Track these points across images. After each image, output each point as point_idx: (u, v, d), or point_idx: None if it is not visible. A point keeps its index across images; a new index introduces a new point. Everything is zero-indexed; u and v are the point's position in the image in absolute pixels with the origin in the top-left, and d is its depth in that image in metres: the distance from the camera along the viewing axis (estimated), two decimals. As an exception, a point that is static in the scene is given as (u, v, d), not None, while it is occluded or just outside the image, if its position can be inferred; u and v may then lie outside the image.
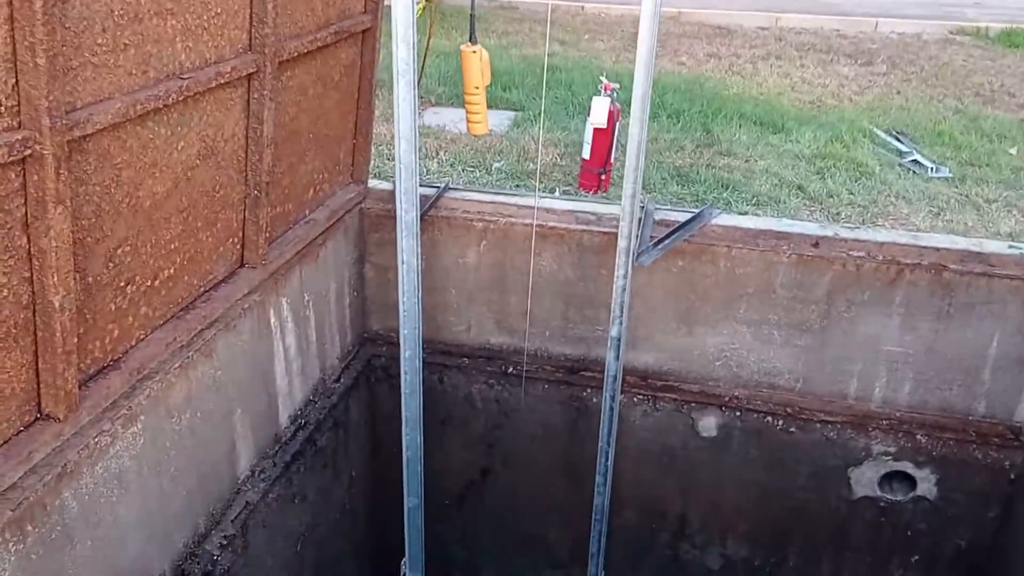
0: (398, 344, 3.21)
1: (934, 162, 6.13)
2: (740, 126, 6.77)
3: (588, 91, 7.34)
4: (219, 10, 2.14)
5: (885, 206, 5.31)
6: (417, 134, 2.78)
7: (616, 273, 2.85)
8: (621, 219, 2.77)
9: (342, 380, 3.29)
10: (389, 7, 2.64)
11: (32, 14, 1.50)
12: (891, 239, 3.05)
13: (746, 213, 5.04)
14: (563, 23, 10.46)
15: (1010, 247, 3.02)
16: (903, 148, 6.47)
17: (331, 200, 3.11)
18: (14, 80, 1.54)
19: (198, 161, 2.21)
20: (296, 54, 2.54)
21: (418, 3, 2.65)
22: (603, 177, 5.32)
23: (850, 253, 3.04)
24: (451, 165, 5.49)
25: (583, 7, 11.71)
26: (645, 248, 2.92)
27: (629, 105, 6.60)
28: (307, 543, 3.03)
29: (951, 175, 5.93)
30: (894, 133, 6.93)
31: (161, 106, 1.97)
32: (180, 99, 2.03)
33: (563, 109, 6.88)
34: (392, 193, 3.36)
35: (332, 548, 3.26)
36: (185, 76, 2.04)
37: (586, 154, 5.30)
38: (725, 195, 5.30)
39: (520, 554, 3.74)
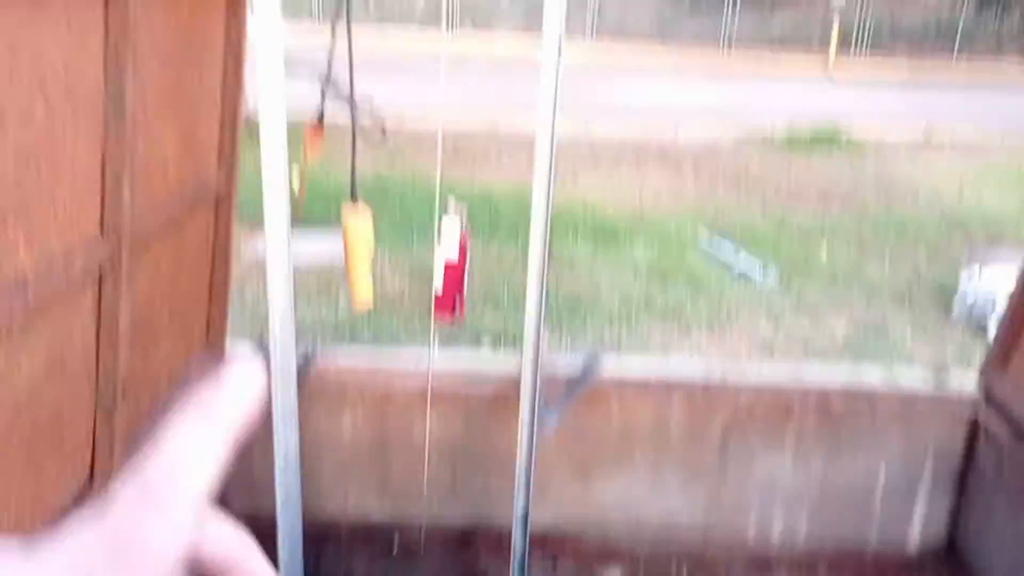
0: (266, 528, 2.84)
1: (761, 268, 6.46)
2: (576, 240, 6.90)
3: (423, 212, 7.26)
4: (68, 201, 1.81)
5: (729, 317, 5.49)
6: (294, 308, 2.51)
7: (519, 446, 2.65)
8: (522, 386, 2.59)
9: (205, 583, 2.85)
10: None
11: None
12: (775, 377, 3.06)
13: (602, 335, 5.05)
14: (381, 134, 10.41)
15: (884, 375, 3.10)
16: (729, 255, 6.79)
17: (187, 379, 2.73)
18: None
19: (43, 381, 1.83)
20: (151, 232, 2.22)
21: (294, 178, 2.41)
22: (457, 305, 5.16)
23: (740, 395, 3.01)
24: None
25: (403, 123, 11.76)
26: (547, 413, 2.75)
27: (477, 229, 6.50)
28: None
29: (778, 281, 6.26)
30: (716, 239, 7.28)
31: (4, 329, 1.60)
32: (23, 317, 1.67)
33: (402, 231, 6.74)
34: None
35: None
36: (29, 288, 1.68)
37: (437, 289, 5.13)
38: (579, 316, 5.29)
39: None
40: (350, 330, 4.86)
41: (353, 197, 2.56)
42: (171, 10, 2.18)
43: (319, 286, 5.54)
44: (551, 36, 2.28)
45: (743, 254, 6.76)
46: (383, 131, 2.52)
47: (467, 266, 5.12)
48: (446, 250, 4.91)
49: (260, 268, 5.81)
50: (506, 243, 6.58)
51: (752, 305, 5.68)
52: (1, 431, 1.70)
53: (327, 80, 2.38)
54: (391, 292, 5.54)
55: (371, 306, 2.65)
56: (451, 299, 5.08)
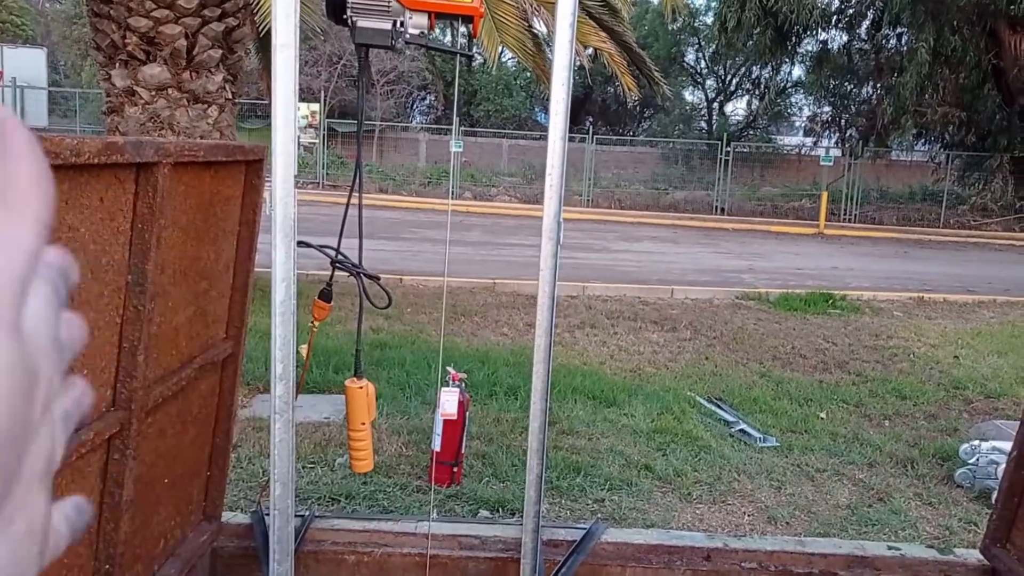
0: None
1: (760, 431, 6.44)
2: (575, 401, 6.91)
3: (421, 370, 7.33)
4: (85, 372, 1.88)
5: (730, 482, 5.43)
6: (294, 477, 2.52)
7: (519, 617, 2.60)
8: (523, 557, 2.57)
9: None
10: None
11: None
12: (779, 547, 3.02)
13: (602, 500, 4.98)
14: (382, 296, 10.62)
15: (889, 548, 3.06)
16: (728, 417, 6.79)
17: (182, 548, 2.71)
18: None
19: (46, 548, 1.83)
20: (160, 399, 2.27)
21: (303, 346, 2.49)
22: (456, 470, 5.13)
23: (742, 564, 2.97)
24: (290, 464, 5.11)
25: (401, 279, 12.03)
26: (545, 583, 2.71)
27: (470, 387, 6.53)
28: None
29: (778, 444, 6.23)
30: (715, 401, 7.29)
31: (14, 499, 1.63)
32: (35, 485, 1.70)
33: (400, 391, 6.77)
34: (249, 527, 3.02)
35: None
36: (43, 456, 1.72)
37: (436, 446, 5.11)
38: (579, 480, 5.24)
39: None
40: (347, 495, 4.81)
41: (357, 373, 2.62)
42: (194, 188, 2.32)
43: (316, 448, 5.52)
44: (551, 203, 2.42)
45: (741, 417, 6.77)
46: (389, 301, 2.60)
47: (465, 428, 5.13)
48: (445, 411, 4.94)
49: (254, 428, 5.79)
50: (507, 405, 6.60)
51: (753, 470, 5.64)
52: (-2, 604, 1.69)
53: (336, 257, 2.50)
54: (390, 457, 5.51)
55: (371, 469, 2.66)
56: (451, 457, 5.06)
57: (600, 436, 6.08)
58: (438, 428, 5.12)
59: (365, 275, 2.54)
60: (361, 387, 2.58)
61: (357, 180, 2.49)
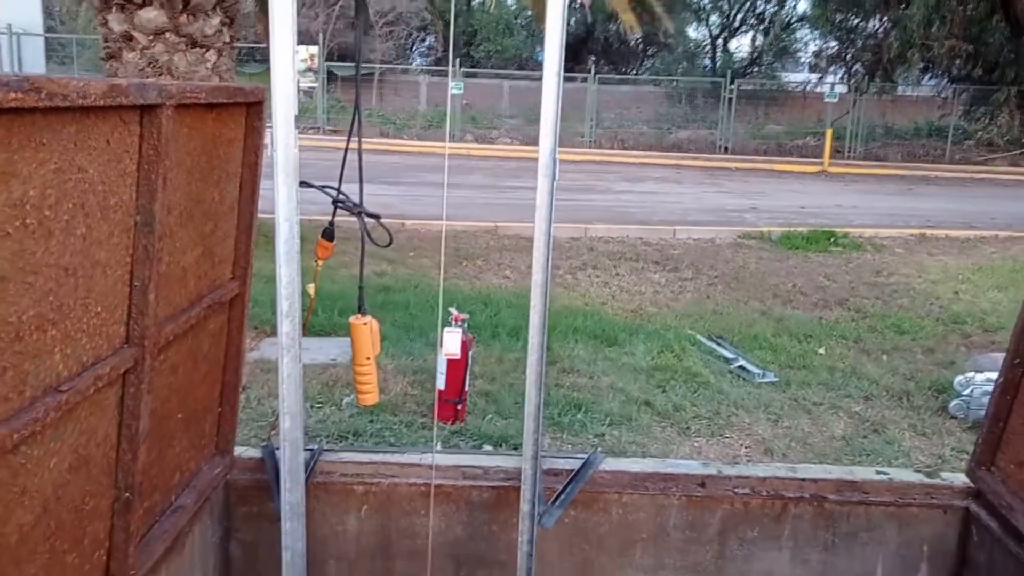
0: (272, 630, 2.88)
1: (759, 367, 6.55)
2: (576, 340, 7.00)
3: (426, 313, 7.42)
4: (100, 309, 1.96)
5: (728, 417, 5.55)
6: (303, 407, 2.62)
7: (520, 539, 2.72)
8: (523, 481, 2.68)
9: None
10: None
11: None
12: (771, 473, 3.14)
13: (602, 435, 5.11)
14: (385, 236, 10.68)
15: (877, 472, 3.17)
16: (728, 354, 6.89)
17: (197, 479, 2.82)
18: None
19: (68, 476, 1.94)
20: (172, 336, 2.36)
21: (310, 285, 2.57)
22: (459, 407, 5.26)
23: (736, 491, 3.08)
24: (299, 403, 5.24)
25: (403, 224, 12.07)
26: (546, 508, 2.83)
27: (472, 328, 6.63)
28: None
29: (776, 379, 6.34)
30: (715, 338, 7.39)
31: (38, 428, 1.72)
32: (57, 415, 1.79)
33: (405, 334, 6.87)
34: (260, 460, 3.13)
35: None
36: (63, 389, 1.81)
37: (441, 385, 5.24)
38: (579, 416, 5.36)
39: None
40: (354, 432, 4.93)
41: (361, 310, 2.70)
42: (197, 130, 2.38)
43: (324, 388, 5.64)
44: (546, 141, 2.46)
45: (740, 354, 6.87)
46: (390, 239, 2.67)
47: (468, 368, 5.24)
48: (449, 350, 5.05)
49: (263, 370, 5.90)
50: (509, 345, 6.70)
51: (751, 405, 5.75)
52: (28, 527, 1.80)
53: (337, 197, 2.55)
54: (395, 396, 5.62)
55: (377, 402, 2.75)
56: (455, 395, 5.18)
57: (601, 374, 6.18)
58: (442, 367, 5.24)
59: (366, 214, 2.60)
60: (365, 323, 2.66)
61: (356, 122, 2.54)
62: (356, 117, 2.48)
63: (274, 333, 6.42)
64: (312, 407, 5.32)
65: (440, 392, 5.22)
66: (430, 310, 7.56)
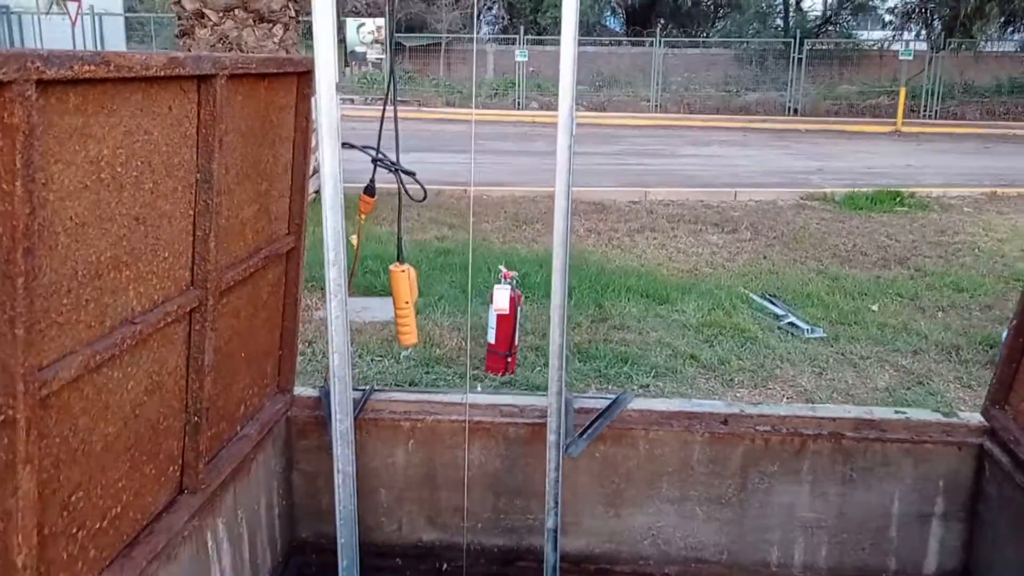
0: (329, 551, 3.20)
1: (809, 323, 6.65)
2: (628, 299, 7.20)
3: (483, 274, 7.71)
4: (167, 254, 2.26)
5: (772, 369, 5.69)
6: (349, 347, 2.90)
7: (548, 466, 2.98)
8: (549, 415, 2.93)
9: (275, 596, 3.22)
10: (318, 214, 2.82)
11: (14, 290, 1.58)
12: (792, 412, 3.31)
13: (647, 387, 5.32)
14: (448, 207, 10.99)
15: (896, 412, 3.32)
16: (779, 311, 7.00)
17: (260, 413, 3.15)
18: (-9, 351, 1.60)
19: (145, 397, 2.26)
20: (232, 283, 2.66)
21: (353, 236, 2.84)
22: (509, 360, 5.53)
23: (757, 428, 3.27)
24: (359, 356, 5.61)
25: (465, 190, 12.33)
26: (572, 440, 3.07)
27: (527, 288, 6.90)
28: None
29: (825, 335, 6.44)
30: (768, 297, 7.49)
31: (117, 352, 2.04)
32: (132, 344, 2.11)
33: (461, 293, 7.15)
34: (318, 399, 3.44)
35: None
36: (137, 321, 2.12)
37: (491, 339, 5.52)
38: (625, 369, 5.58)
39: None
40: (411, 382, 5.25)
41: (399, 258, 2.96)
42: (251, 97, 2.66)
43: (383, 343, 5.97)
44: (565, 104, 2.67)
45: (792, 311, 6.96)
46: (424, 195, 2.92)
47: (517, 322, 5.50)
48: (498, 306, 5.31)
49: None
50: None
51: (796, 358, 5.88)
52: (112, 438, 2.13)
53: (377, 156, 2.81)
54: (450, 350, 5.92)
55: (416, 342, 3.01)
56: (504, 348, 5.46)
57: (650, 330, 6.38)
58: (492, 322, 5.52)
59: (402, 171, 2.85)
60: (403, 270, 2.93)
61: (391, 89, 2.78)
62: (391, 83, 2.72)
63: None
64: (372, 360, 5.66)
65: (491, 345, 5.50)
66: (487, 271, 7.83)
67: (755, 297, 7.42)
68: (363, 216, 2.92)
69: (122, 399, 2.15)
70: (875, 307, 7.25)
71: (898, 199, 11.96)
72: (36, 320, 1.69)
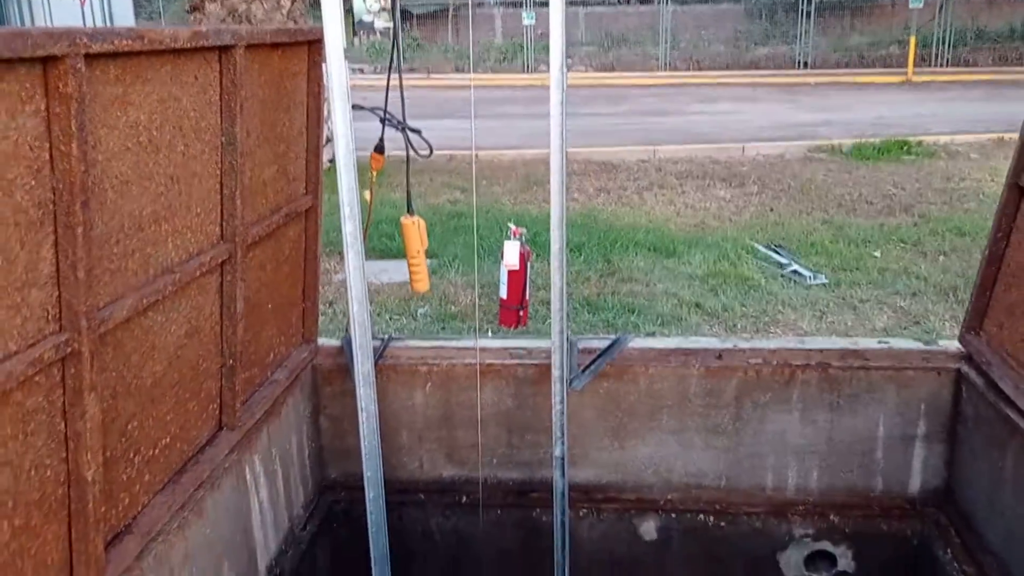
0: (357, 488, 3.47)
1: (811, 270, 6.85)
2: (636, 253, 7.41)
3: (495, 235, 7.93)
4: (199, 210, 2.50)
5: (774, 315, 5.91)
6: (367, 296, 3.15)
7: (553, 400, 3.22)
8: (553, 352, 3.17)
9: (308, 528, 3.50)
10: (333, 182, 3.05)
11: (75, 238, 1.83)
12: (782, 345, 3.54)
13: (654, 334, 5.55)
14: (461, 171, 11.19)
15: (879, 342, 3.54)
16: (783, 260, 7.20)
17: (288, 361, 3.41)
18: (57, 293, 1.85)
19: (185, 340, 2.51)
20: (257, 238, 2.90)
21: (366, 191, 3.07)
22: (521, 313, 5.76)
23: (749, 361, 3.50)
24: (378, 314, 5.87)
25: (477, 155, 12.52)
26: (576, 375, 3.32)
27: (537, 246, 7.14)
28: None
29: (827, 281, 6.64)
30: (773, 247, 7.69)
31: (160, 298, 2.29)
32: (173, 290, 2.36)
33: (474, 253, 7.39)
34: (341, 348, 3.70)
35: None
36: (175, 270, 2.37)
37: (503, 294, 5.73)
38: (633, 319, 5.81)
39: None
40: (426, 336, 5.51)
41: (409, 210, 3.19)
42: (266, 66, 2.88)
43: (401, 302, 6.22)
44: (556, 60, 2.87)
45: (795, 260, 7.15)
46: (430, 151, 3.14)
47: (527, 277, 5.72)
48: (508, 262, 5.54)
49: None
50: (572, 260, 7.15)
51: (798, 303, 6.09)
52: (159, 375, 2.39)
53: (384, 115, 3.03)
54: (465, 307, 6.17)
55: (427, 289, 3.25)
56: (516, 302, 5.69)
57: (657, 282, 6.60)
58: (503, 277, 5.74)
59: (409, 129, 3.07)
60: (413, 222, 3.16)
61: (396, 55, 3.00)
62: (395, 45, 2.93)
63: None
64: (391, 318, 5.92)
65: (503, 300, 5.73)
66: (500, 231, 8.04)
67: (760, 247, 7.62)
68: (374, 173, 3.14)
69: (166, 341, 2.40)
70: (877, 253, 7.43)
71: (905, 148, 12.04)
72: (93, 266, 1.93)
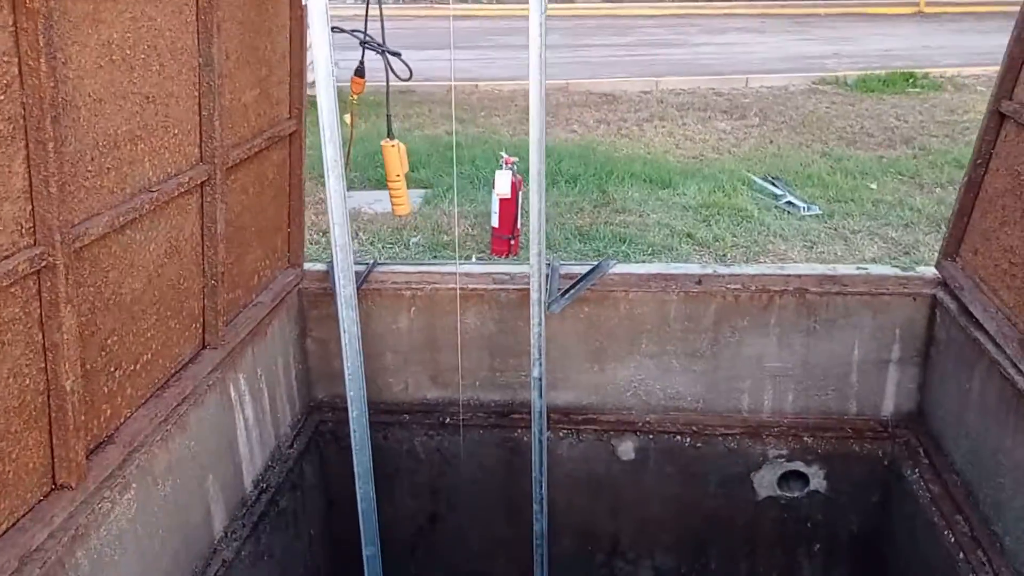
0: (343, 409, 3.56)
1: (806, 202, 6.85)
2: (632, 185, 7.42)
3: (491, 165, 7.93)
4: (176, 131, 2.54)
5: (765, 245, 5.95)
6: (347, 219, 3.19)
7: (532, 322, 3.29)
8: (531, 275, 3.22)
9: (295, 446, 3.61)
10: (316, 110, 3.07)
11: (46, 153, 1.87)
12: (761, 271, 3.58)
13: (642, 263, 5.60)
14: (460, 102, 11.11)
15: (858, 268, 3.58)
16: (778, 192, 7.20)
17: (273, 284, 3.47)
18: (31, 207, 1.90)
19: (165, 259, 2.57)
20: (238, 160, 2.94)
21: (346, 115, 3.09)
22: (512, 242, 5.83)
23: (728, 286, 3.55)
24: (371, 244, 5.92)
25: (476, 85, 12.41)
26: (555, 298, 3.38)
27: (524, 173, 7.14)
28: (278, 597, 3.32)
29: (821, 212, 6.65)
30: (770, 179, 7.68)
31: (136, 216, 2.34)
32: (151, 209, 2.40)
33: (469, 184, 7.40)
34: (327, 273, 3.76)
35: (300, 601, 3.54)
36: (153, 189, 2.41)
37: (495, 222, 5.81)
38: (623, 248, 5.86)
39: (472, 590, 4.07)
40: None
41: (389, 135, 3.21)
42: (245, -11, 2.87)
43: (394, 232, 6.26)
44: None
45: (790, 191, 7.14)
46: (410, 74, 3.14)
47: (519, 206, 5.76)
48: (500, 191, 5.58)
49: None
50: (566, 191, 7.16)
51: (790, 234, 6.11)
52: (139, 292, 2.45)
53: (364, 40, 3.03)
54: (459, 236, 6.21)
55: (408, 212, 3.29)
56: (507, 231, 5.74)
57: (650, 213, 6.62)
58: (495, 206, 5.79)
59: (388, 52, 3.07)
60: (393, 145, 3.18)
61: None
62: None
63: (353, 188, 7.06)
64: (383, 247, 5.97)
65: (495, 229, 5.79)
66: (496, 163, 8.05)
67: (756, 179, 7.61)
68: (355, 96, 3.16)
69: (145, 259, 2.46)
70: (874, 185, 7.42)
71: (911, 80, 11.89)
72: (66, 182, 1.98)
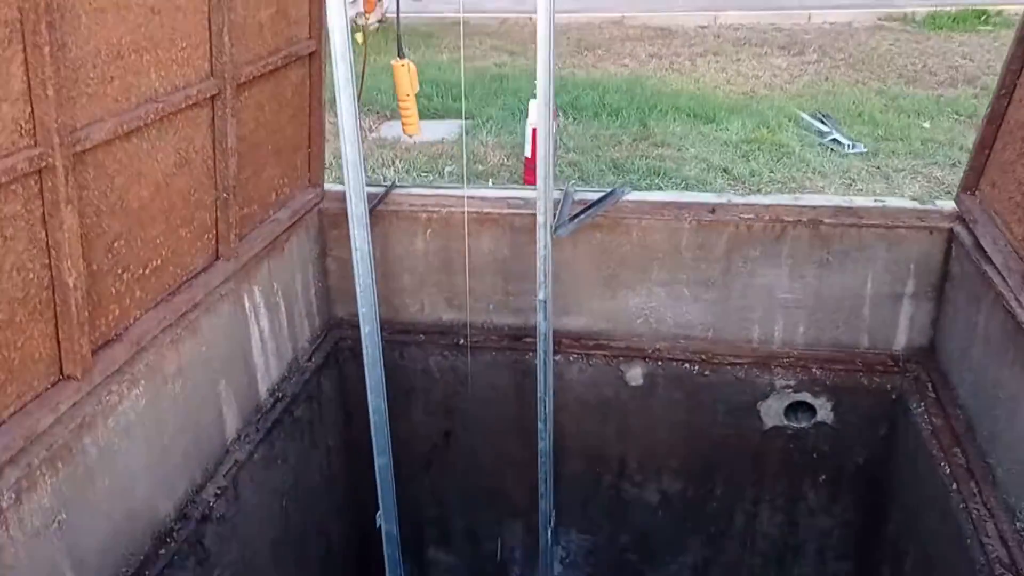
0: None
1: (851, 139, 6.69)
2: (674, 119, 7.33)
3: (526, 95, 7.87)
4: (184, 44, 2.61)
5: (802, 181, 5.86)
6: (359, 137, 3.26)
7: (537, 245, 3.33)
8: (537, 199, 3.25)
9: (313, 359, 3.75)
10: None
11: (42, 57, 1.96)
12: (775, 201, 3.55)
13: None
14: (511, 35, 11.02)
15: (875, 200, 3.52)
16: (824, 129, 7.03)
17: (292, 202, 3.57)
18: (30, 110, 2.01)
19: (175, 170, 2.68)
20: (251, 77, 3.01)
21: (358, 33, 3.12)
22: (545, 172, 5.82)
23: (741, 216, 3.54)
24: (407, 172, 6.00)
25: (530, 18, 12.22)
26: (563, 222, 3.41)
27: (576, 109, 7.11)
28: (290, 499, 3.49)
29: (866, 150, 6.50)
30: (819, 116, 7.50)
31: (142, 125, 2.44)
32: (157, 119, 2.50)
33: (510, 116, 7.40)
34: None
35: (313, 505, 3.71)
36: (159, 100, 2.51)
37: (527, 152, 5.81)
38: (656, 181, 5.83)
39: (483, 505, 4.21)
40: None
41: (400, 54, 3.24)
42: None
43: (430, 160, 6.32)
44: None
45: (837, 128, 6.97)
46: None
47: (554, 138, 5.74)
48: (533, 120, 5.57)
49: (378, 146, 6.64)
50: (607, 123, 7.11)
51: (829, 171, 5.99)
52: (147, 200, 2.56)
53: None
54: (492, 166, 6.24)
55: (418, 132, 3.34)
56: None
57: (689, 147, 6.54)
58: (528, 136, 5.78)
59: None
60: (403, 65, 3.22)
61: None
62: None
63: (393, 117, 7.12)
64: (419, 175, 6.05)
65: (527, 159, 5.79)
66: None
67: (804, 116, 7.44)
68: (368, 15, 3.19)
69: (153, 168, 2.57)
70: (927, 124, 7.19)
71: (982, 17, 11.37)
72: (65, 86, 2.08)
